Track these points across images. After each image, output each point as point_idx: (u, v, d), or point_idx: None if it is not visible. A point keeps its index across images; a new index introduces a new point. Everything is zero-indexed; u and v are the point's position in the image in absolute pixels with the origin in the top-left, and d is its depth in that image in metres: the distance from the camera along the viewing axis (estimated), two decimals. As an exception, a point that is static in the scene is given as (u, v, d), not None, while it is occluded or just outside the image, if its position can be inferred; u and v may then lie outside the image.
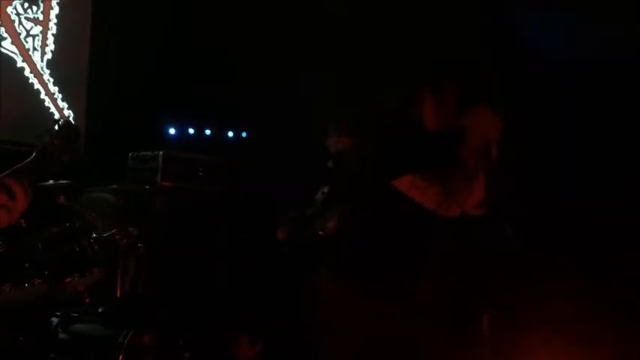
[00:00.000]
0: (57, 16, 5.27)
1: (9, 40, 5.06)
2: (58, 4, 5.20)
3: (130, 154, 5.09)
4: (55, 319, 3.18)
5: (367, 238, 2.44)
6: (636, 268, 3.98)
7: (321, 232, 3.90)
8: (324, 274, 2.52)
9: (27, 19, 5.16)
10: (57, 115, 5.25)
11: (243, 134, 6.04)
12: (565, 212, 4.42)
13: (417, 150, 2.35)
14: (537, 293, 4.12)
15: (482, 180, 2.31)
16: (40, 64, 5.21)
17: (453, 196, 2.31)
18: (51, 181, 3.62)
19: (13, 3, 5.06)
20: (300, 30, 5.09)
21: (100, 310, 3.37)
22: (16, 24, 5.11)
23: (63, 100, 5.27)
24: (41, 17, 5.22)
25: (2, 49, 5.01)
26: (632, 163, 4.30)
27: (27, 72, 5.14)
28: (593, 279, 4.05)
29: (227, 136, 5.94)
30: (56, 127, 2.08)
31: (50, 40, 5.26)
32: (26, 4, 5.14)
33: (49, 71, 5.17)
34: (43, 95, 5.15)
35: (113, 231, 3.37)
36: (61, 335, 3.13)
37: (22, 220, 2.87)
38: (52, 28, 5.27)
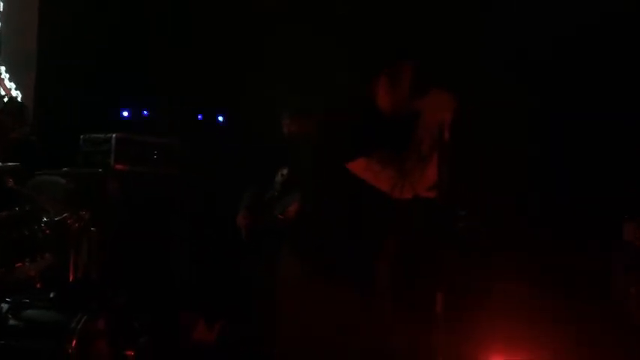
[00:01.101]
0: (3, -5, 5.11)
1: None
2: (4, -18, 5.03)
3: (82, 137, 4.98)
4: (4, 305, 3.10)
5: (326, 222, 2.45)
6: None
7: (280, 216, 3.89)
8: (285, 257, 2.52)
9: (-28, -3, 4.99)
10: (3, 94, 5.10)
11: (199, 117, 5.96)
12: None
13: (370, 132, 2.36)
14: (487, 275, 4.22)
15: (435, 162, 2.34)
16: (-14, 44, 5.05)
17: (407, 177, 2.33)
18: (-2, 164, 3.52)
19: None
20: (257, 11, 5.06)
21: (51, 295, 3.30)
22: (-40, 2, 4.94)
23: (10, 80, 5.11)
24: (-13, -5, 5.06)
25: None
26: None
27: (-28, 51, 4.98)
28: (546, 266, 4.16)
29: (183, 117, 5.86)
30: (2, 104, 2.02)
31: (-3, 19, 5.10)
32: (-29, -18, 4.96)
33: (-5, 51, 5.02)
34: (-11, 75, 5.00)
35: (64, 215, 3.29)
36: (12, 321, 3.05)
37: (-31, 204, 2.79)
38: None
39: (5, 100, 2.03)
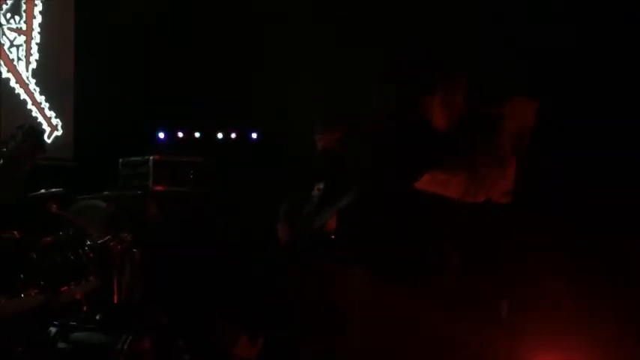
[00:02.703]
0: (40, 25, 5.25)
1: (-7, 51, 5.05)
2: (40, 12, 5.18)
3: (120, 160, 5.09)
4: (53, 329, 3.17)
5: (386, 235, 2.47)
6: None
7: (321, 230, 3.91)
8: (338, 271, 2.56)
9: (10, 29, 5.14)
10: (45, 125, 5.24)
11: (232, 135, 6.04)
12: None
13: (425, 147, 2.38)
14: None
15: (514, 168, 2.34)
16: (26, 74, 5.19)
17: (482, 181, 2.33)
18: (42, 190, 3.62)
19: (-4, 14, 5.05)
20: (293, 31, 5.11)
21: (97, 317, 3.36)
22: (-1, 35, 5.10)
23: (50, 109, 5.26)
24: (24, 27, 5.20)
25: (-14, 61, 4.99)
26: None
27: (12, 82, 5.12)
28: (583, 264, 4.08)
29: (217, 138, 5.94)
30: (20, 132, 2.08)
31: (34, 49, 5.24)
32: (9, 15, 5.12)
33: (34, 81, 5.16)
34: (29, 105, 5.14)
35: (107, 237, 3.36)
36: (60, 345, 3.12)
37: (15, 232, 2.87)
38: (36, 37, 5.25)
39: (24, 129, 2.11)
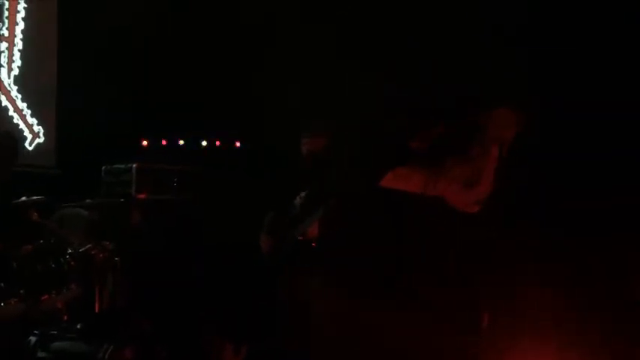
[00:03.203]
0: (22, 32, 5.22)
1: (-26, 58, 5.00)
2: (23, 19, 5.15)
3: (103, 168, 5.05)
4: (33, 338, 3.14)
5: (362, 238, 2.50)
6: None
7: (301, 238, 3.90)
8: (314, 278, 2.58)
9: (-8, 36, 5.10)
10: (26, 132, 5.20)
11: (217, 143, 6.02)
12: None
13: (401, 151, 2.45)
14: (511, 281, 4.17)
15: (491, 177, 2.40)
16: (8, 81, 5.15)
17: (443, 173, 2.39)
18: (23, 198, 3.59)
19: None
20: (279, 37, 5.11)
21: (78, 326, 3.33)
22: (-19, 42, 5.06)
23: (32, 116, 5.21)
24: (6, 33, 5.17)
25: (-33, 68, 4.95)
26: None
27: (-6, 89, 5.08)
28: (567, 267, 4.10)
29: (201, 145, 5.93)
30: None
31: (17, 55, 5.20)
32: (-10, 21, 5.09)
33: (16, 87, 5.12)
34: (11, 112, 5.10)
35: (88, 246, 3.34)
36: (40, 354, 3.10)
37: (-5, 240, 2.85)
38: (18, 44, 5.21)
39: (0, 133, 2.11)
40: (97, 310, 3.53)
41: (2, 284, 2.81)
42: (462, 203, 2.45)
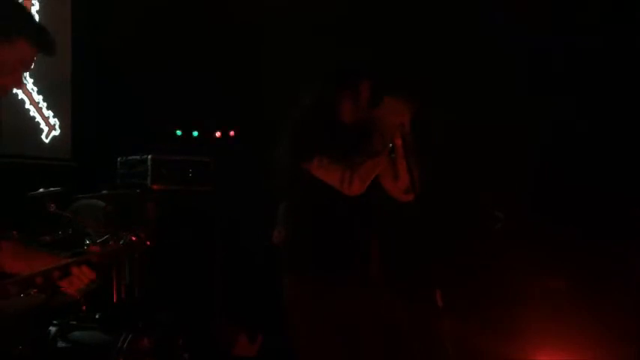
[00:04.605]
0: (37, 25, 5.24)
1: (-11, 50, 5.03)
2: (37, 12, 5.17)
3: (119, 159, 5.09)
4: (52, 328, 3.18)
5: (306, 232, 2.59)
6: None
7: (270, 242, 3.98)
8: (286, 277, 2.68)
9: (7, 29, 5.13)
10: (43, 125, 5.23)
11: (231, 134, 6.04)
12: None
13: (327, 136, 2.52)
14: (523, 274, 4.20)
15: (404, 166, 2.49)
16: (24, 74, 5.18)
17: (356, 171, 2.46)
18: (41, 190, 3.63)
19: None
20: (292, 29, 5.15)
21: (97, 316, 3.37)
22: (-4, 34, 5.08)
23: (48, 108, 5.25)
24: (21, 27, 5.19)
25: (-17, 61, 4.98)
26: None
27: (10, 82, 5.11)
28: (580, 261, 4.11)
29: (214, 136, 5.95)
30: None
31: (32, 49, 5.23)
32: (5, 14, 5.11)
33: (32, 80, 5.15)
34: (27, 105, 5.13)
35: (106, 237, 3.37)
36: (60, 344, 3.14)
37: (14, 231, 2.87)
38: (33, 37, 5.23)
39: None
40: (115, 301, 3.58)
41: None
42: (395, 194, 2.59)
